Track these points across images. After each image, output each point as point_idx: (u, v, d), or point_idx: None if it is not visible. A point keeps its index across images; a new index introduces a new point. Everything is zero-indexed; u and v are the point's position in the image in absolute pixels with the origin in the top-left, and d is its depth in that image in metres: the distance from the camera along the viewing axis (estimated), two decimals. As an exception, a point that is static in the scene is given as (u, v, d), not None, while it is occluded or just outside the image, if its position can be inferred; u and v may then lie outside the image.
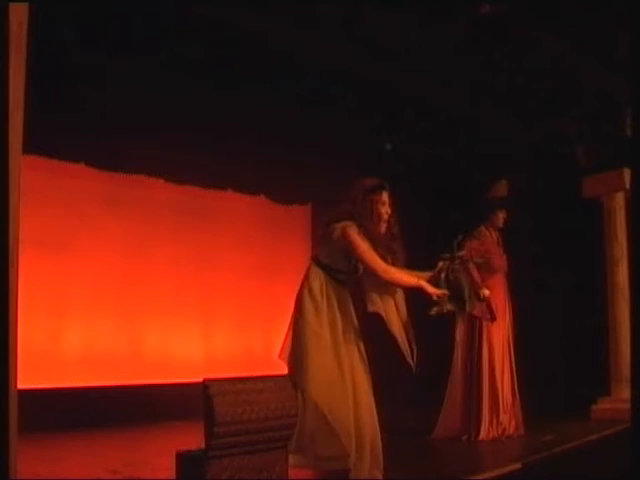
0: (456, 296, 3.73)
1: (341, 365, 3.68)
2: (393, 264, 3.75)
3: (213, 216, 8.01)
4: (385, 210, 3.77)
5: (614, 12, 5.13)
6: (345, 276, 3.77)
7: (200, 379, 3.13)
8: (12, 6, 2.49)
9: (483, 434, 5.35)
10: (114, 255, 7.09)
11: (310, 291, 3.69)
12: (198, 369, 6.92)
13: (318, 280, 3.72)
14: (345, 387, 3.67)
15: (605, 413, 6.45)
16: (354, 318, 3.80)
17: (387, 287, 3.76)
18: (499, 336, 5.56)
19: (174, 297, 7.47)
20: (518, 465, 4.26)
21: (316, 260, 3.79)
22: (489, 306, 5.41)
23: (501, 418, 5.41)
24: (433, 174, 8.30)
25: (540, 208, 7.71)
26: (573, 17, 5.49)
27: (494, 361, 5.50)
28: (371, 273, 3.68)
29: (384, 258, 3.72)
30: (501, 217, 5.76)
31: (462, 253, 3.90)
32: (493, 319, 5.44)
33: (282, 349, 3.75)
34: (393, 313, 3.80)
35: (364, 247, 3.65)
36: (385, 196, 3.77)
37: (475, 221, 5.79)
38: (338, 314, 3.72)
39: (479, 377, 5.47)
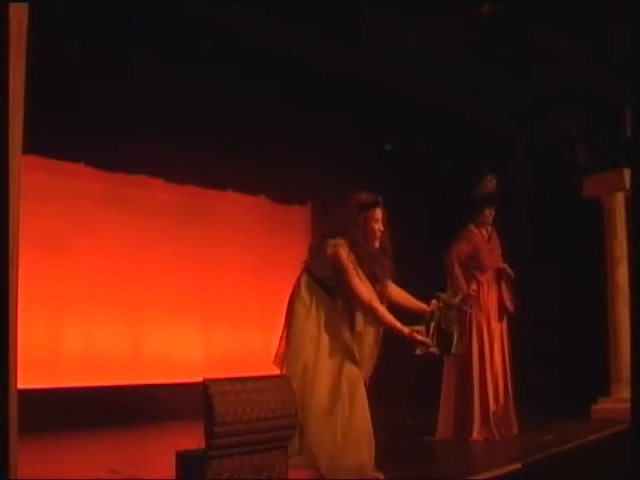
0: (444, 341, 3.73)
1: (337, 370, 3.71)
2: (382, 280, 3.78)
3: (213, 216, 8.01)
4: (378, 227, 3.79)
5: (614, 12, 5.13)
6: (336, 290, 3.78)
7: (200, 379, 3.13)
8: (12, 6, 2.48)
9: (475, 434, 5.33)
10: (114, 255, 7.08)
11: (302, 300, 3.73)
12: (198, 369, 6.92)
13: (309, 290, 3.75)
14: (341, 391, 3.67)
15: (605, 413, 6.44)
16: (345, 328, 3.78)
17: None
18: (491, 333, 5.54)
19: (174, 297, 7.47)
20: (518, 465, 4.25)
21: (308, 271, 3.81)
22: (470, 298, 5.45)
23: (491, 418, 5.38)
24: (432, 174, 8.30)
25: (540, 208, 7.71)
26: (573, 17, 5.49)
27: (484, 359, 5.48)
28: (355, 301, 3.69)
29: (374, 277, 3.75)
30: (489, 213, 5.74)
31: (457, 300, 3.87)
32: (469, 308, 5.45)
33: (276, 355, 3.80)
34: (370, 341, 3.79)
35: (352, 272, 3.66)
36: (379, 213, 3.80)
37: (464, 220, 5.78)
38: (329, 324, 3.74)
39: (469, 375, 5.46)
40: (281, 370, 3.74)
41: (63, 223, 6.77)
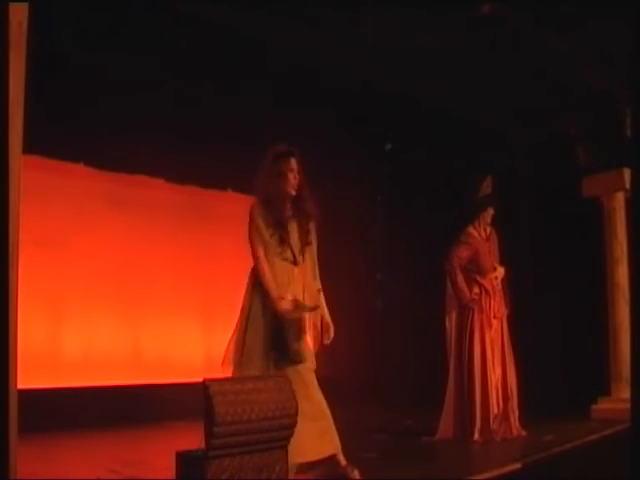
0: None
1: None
2: (304, 226, 3.85)
3: (213, 216, 8.01)
4: (293, 175, 3.84)
5: (614, 12, 5.13)
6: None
7: (200, 379, 3.12)
8: (12, 6, 2.48)
9: (476, 435, 5.33)
10: (114, 254, 7.08)
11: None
12: (198, 369, 6.92)
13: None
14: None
15: (605, 413, 6.45)
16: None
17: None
18: (493, 334, 5.55)
19: (174, 297, 7.47)
20: (518, 465, 4.25)
21: None
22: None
23: (492, 419, 5.38)
24: (431, 174, 8.30)
25: (540, 208, 7.71)
26: (573, 17, 5.49)
27: (486, 360, 5.48)
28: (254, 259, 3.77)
29: (281, 238, 3.79)
30: (488, 214, 5.75)
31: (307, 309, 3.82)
32: (468, 306, 5.47)
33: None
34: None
35: (255, 226, 3.78)
36: (293, 163, 3.86)
37: (463, 223, 5.78)
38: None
39: (470, 376, 5.46)
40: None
41: (63, 223, 6.77)
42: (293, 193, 3.86)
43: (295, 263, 3.79)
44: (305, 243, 3.87)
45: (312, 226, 3.92)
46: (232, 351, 3.80)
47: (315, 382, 3.76)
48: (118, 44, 5.75)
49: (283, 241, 3.81)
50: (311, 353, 3.82)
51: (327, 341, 3.83)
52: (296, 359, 3.69)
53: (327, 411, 3.74)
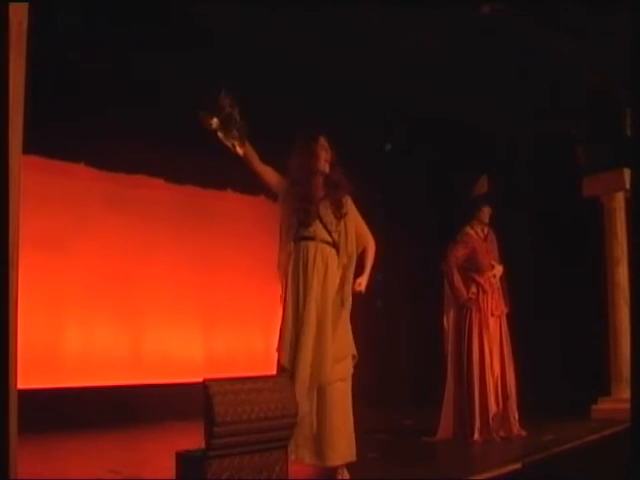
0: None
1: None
2: (337, 202, 3.93)
3: (213, 216, 8.01)
4: (324, 154, 3.98)
5: (614, 12, 5.13)
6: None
7: (200, 379, 3.13)
8: (12, 6, 2.48)
9: (476, 435, 5.33)
10: (114, 255, 7.09)
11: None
12: (198, 369, 6.93)
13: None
14: None
15: (605, 413, 6.44)
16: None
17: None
18: (491, 334, 5.54)
19: (174, 297, 7.47)
20: (518, 465, 4.25)
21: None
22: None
23: (491, 418, 5.38)
24: (431, 174, 8.31)
25: (540, 208, 7.71)
26: (573, 16, 5.49)
27: (485, 359, 5.48)
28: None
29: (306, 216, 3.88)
30: (486, 212, 5.75)
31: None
32: (465, 306, 5.47)
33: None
34: None
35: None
36: (323, 141, 4.03)
37: (459, 221, 5.78)
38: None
39: (469, 376, 5.46)
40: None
41: (63, 223, 6.77)
42: (327, 170, 3.96)
43: (332, 243, 3.88)
44: (340, 217, 3.92)
45: (346, 199, 3.99)
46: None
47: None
48: (118, 44, 5.74)
49: (313, 219, 3.87)
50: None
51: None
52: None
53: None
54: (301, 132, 4.05)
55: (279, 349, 3.75)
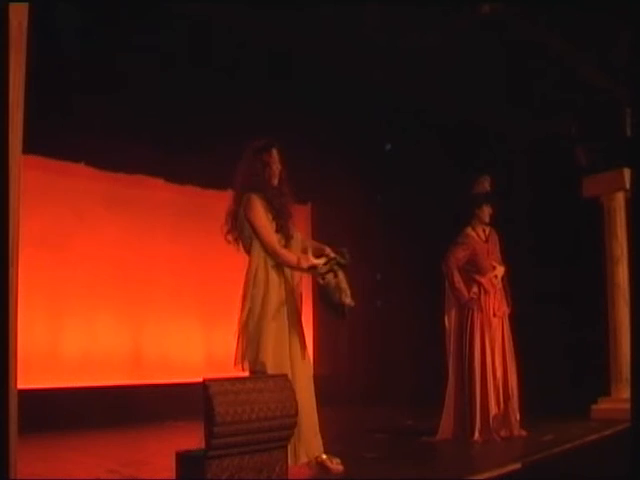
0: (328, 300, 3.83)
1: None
2: (285, 221, 3.91)
3: (213, 216, 7.98)
4: (276, 167, 3.96)
5: (614, 12, 5.13)
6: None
7: (200, 379, 3.13)
8: (12, 6, 2.49)
9: (476, 435, 5.32)
10: (114, 255, 7.08)
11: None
12: (198, 369, 6.92)
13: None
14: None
15: (605, 413, 6.44)
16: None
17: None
18: (492, 334, 5.54)
19: (174, 297, 7.47)
20: (518, 465, 4.25)
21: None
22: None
23: (491, 419, 5.37)
24: (431, 174, 8.30)
25: (540, 208, 7.71)
26: (573, 17, 5.49)
27: (486, 359, 5.47)
28: (265, 249, 3.84)
29: (284, 228, 3.89)
30: (487, 212, 5.72)
31: (342, 262, 3.90)
32: (467, 306, 5.48)
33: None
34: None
35: (263, 224, 3.83)
36: (275, 153, 3.97)
37: (460, 222, 5.77)
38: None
39: (470, 376, 5.45)
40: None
41: (63, 223, 6.77)
42: (275, 184, 3.94)
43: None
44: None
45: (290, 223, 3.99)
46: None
47: None
48: (118, 44, 5.75)
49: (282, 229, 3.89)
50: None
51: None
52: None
53: None
54: (252, 143, 4.01)
55: None
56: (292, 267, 3.82)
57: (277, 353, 3.73)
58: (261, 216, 3.82)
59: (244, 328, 3.82)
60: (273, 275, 3.84)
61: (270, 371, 3.65)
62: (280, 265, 3.85)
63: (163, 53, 5.93)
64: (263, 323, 3.79)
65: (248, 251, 3.92)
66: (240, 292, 3.98)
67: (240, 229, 3.93)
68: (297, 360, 3.82)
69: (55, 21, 4.96)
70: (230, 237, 3.98)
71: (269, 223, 3.84)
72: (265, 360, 3.69)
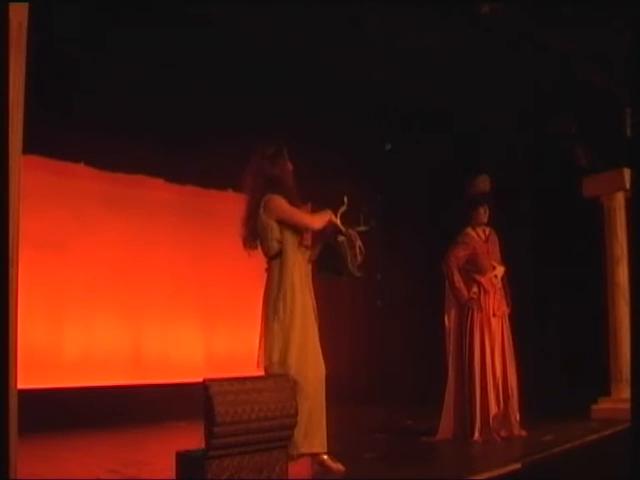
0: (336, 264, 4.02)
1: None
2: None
3: (213, 216, 8.00)
4: (290, 166, 4.15)
5: (614, 12, 5.13)
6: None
7: (200, 379, 3.13)
8: (12, 6, 2.49)
9: (476, 435, 5.32)
10: (114, 255, 7.08)
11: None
12: (198, 369, 6.93)
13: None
14: None
15: (605, 413, 6.44)
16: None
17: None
18: (492, 334, 5.54)
19: (174, 297, 7.47)
20: (518, 465, 4.25)
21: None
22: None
23: (491, 418, 5.37)
24: (431, 174, 8.30)
25: (540, 208, 7.71)
26: (573, 17, 5.49)
27: (486, 359, 5.47)
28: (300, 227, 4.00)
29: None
30: (483, 213, 5.72)
31: (361, 229, 4.19)
32: (467, 306, 5.48)
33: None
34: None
35: (293, 209, 4.02)
36: (286, 153, 4.13)
37: (459, 221, 5.77)
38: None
39: (470, 376, 5.45)
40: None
41: (63, 223, 6.76)
42: (291, 183, 4.12)
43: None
44: None
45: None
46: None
47: None
48: (118, 44, 5.74)
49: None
50: None
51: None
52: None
53: None
54: (261, 146, 4.11)
55: None
56: (329, 224, 4.06)
57: (301, 354, 3.77)
58: (288, 206, 3.97)
59: (270, 330, 3.78)
60: (297, 276, 3.89)
61: (294, 372, 3.67)
62: (301, 264, 3.93)
63: (163, 53, 5.92)
64: (290, 325, 3.79)
65: (272, 255, 3.94)
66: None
67: (262, 234, 3.98)
68: (315, 354, 3.87)
69: (55, 21, 4.96)
70: (247, 243, 4.01)
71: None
72: (291, 362, 3.72)
